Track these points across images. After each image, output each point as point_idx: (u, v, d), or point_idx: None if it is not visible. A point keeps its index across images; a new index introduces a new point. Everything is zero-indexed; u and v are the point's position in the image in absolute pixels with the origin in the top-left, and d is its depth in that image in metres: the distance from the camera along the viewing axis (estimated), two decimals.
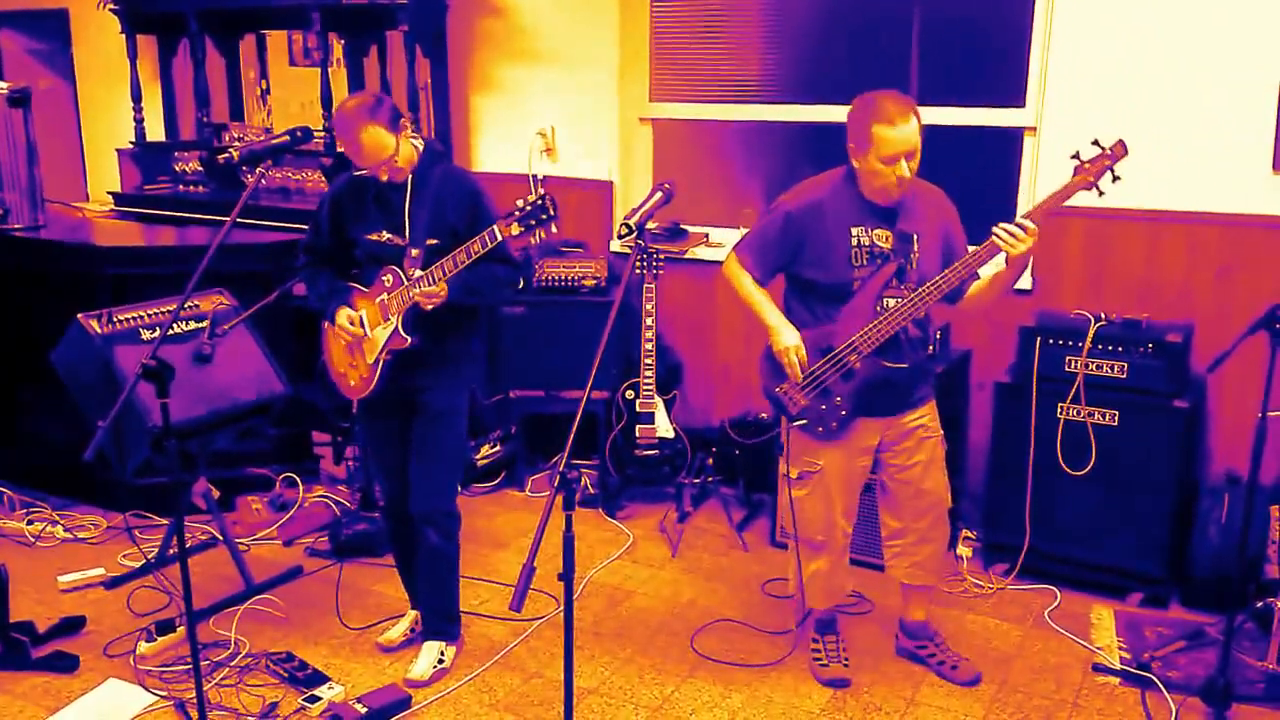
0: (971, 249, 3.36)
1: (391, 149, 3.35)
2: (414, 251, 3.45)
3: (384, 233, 3.49)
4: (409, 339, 3.48)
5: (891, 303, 3.37)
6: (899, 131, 3.20)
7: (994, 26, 4.95)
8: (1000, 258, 3.28)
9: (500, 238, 3.28)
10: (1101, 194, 3.19)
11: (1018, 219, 3.21)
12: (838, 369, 3.42)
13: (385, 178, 3.41)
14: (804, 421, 3.51)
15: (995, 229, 3.22)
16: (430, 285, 3.35)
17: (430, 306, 3.38)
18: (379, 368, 3.54)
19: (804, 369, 3.44)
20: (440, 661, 3.73)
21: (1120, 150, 3.17)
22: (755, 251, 3.53)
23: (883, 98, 3.24)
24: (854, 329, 3.38)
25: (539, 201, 3.25)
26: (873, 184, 3.33)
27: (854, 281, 3.40)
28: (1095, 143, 3.20)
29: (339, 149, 5.68)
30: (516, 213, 3.26)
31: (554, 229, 3.29)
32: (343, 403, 3.78)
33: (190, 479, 4.32)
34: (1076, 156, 3.21)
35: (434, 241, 3.46)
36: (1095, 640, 3.98)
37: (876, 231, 3.39)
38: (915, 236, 3.42)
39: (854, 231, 3.39)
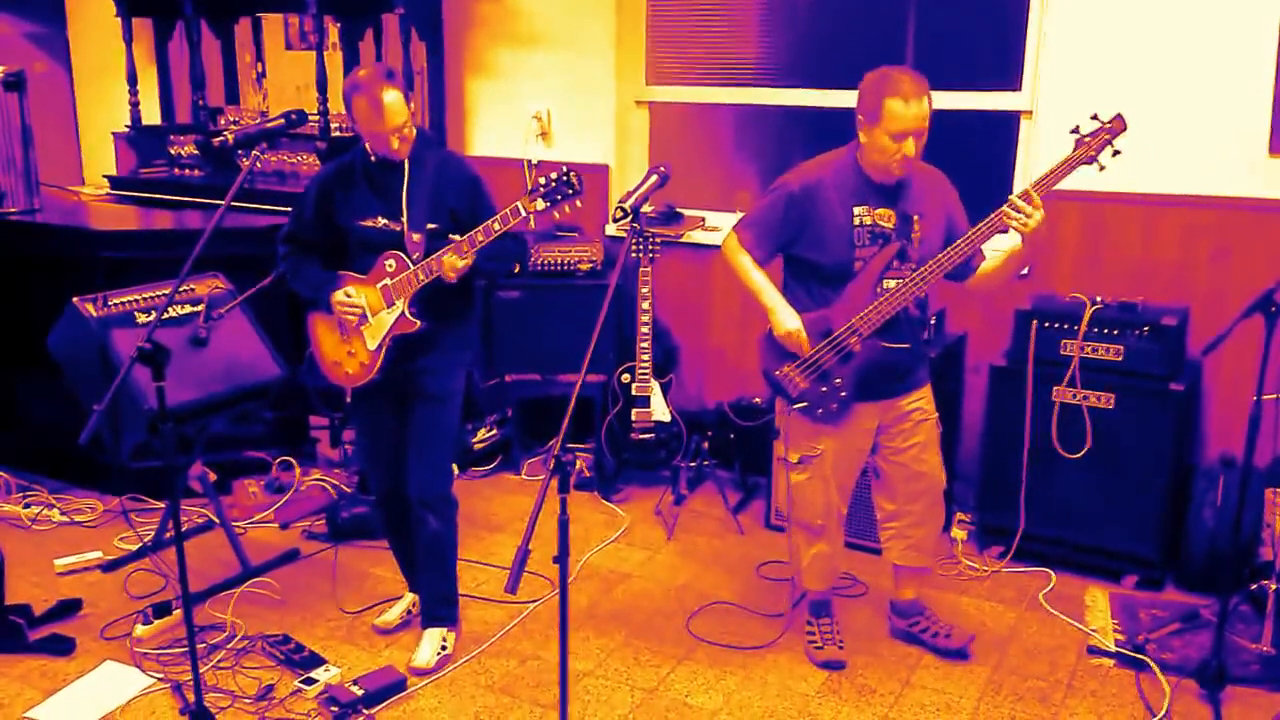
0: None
1: (408, 114, 3.35)
2: (415, 236, 3.42)
3: (380, 218, 3.46)
4: (418, 323, 3.46)
5: (892, 284, 3.37)
6: (910, 108, 3.20)
7: (989, 9, 4.94)
8: (1006, 236, 3.29)
9: (525, 214, 3.25)
10: (1103, 168, 3.19)
11: (1022, 191, 3.21)
12: (837, 351, 3.42)
13: (395, 145, 3.36)
14: (804, 404, 3.51)
15: (1009, 203, 3.22)
16: (461, 258, 3.31)
17: (454, 277, 3.35)
18: (382, 353, 3.52)
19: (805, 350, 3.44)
20: (444, 648, 3.73)
21: (1119, 124, 3.18)
22: (756, 231, 3.51)
23: (899, 73, 3.24)
24: (854, 311, 3.38)
25: (564, 177, 3.24)
26: (876, 160, 3.32)
27: (855, 262, 3.39)
28: (1094, 117, 3.20)
29: (334, 130, 5.70)
30: (540, 189, 3.25)
31: (579, 204, 3.28)
32: (331, 389, 3.75)
33: (186, 462, 4.33)
34: (1076, 131, 3.21)
35: (434, 226, 3.44)
36: (1090, 623, 3.99)
37: (879, 211, 3.39)
38: (917, 217, 3.42)
39: (857, 211, 3.38)
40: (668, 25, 5.56)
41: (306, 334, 3.71)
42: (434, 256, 3.36)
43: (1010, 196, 3.23)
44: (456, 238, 3.35)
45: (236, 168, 5.99)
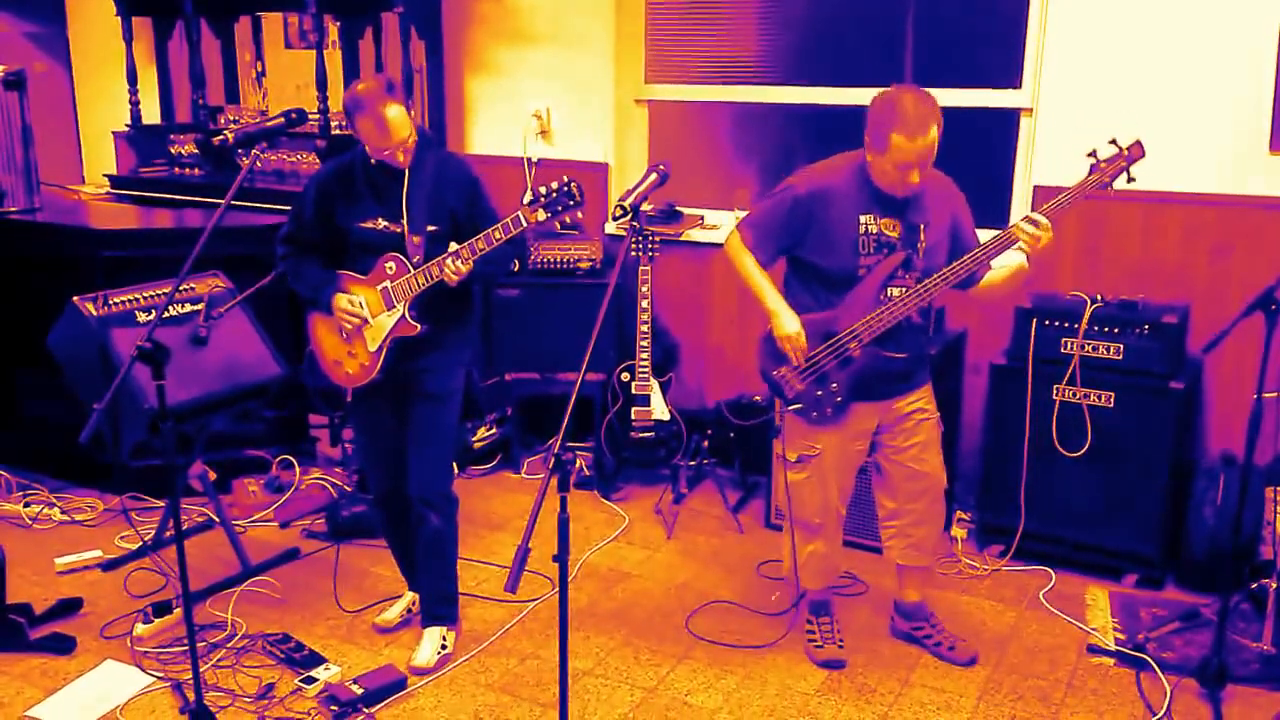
0: (985, 239, 3.36)
1: (411, 127, 3.35)
2: (415, 239, 3.42)
3: (380, 220, 3.46)
4: (419, 326, 3.46)
5: (896, 292, 3.37)
6: (915, 144, 3.17)
7: (990, 6, 4.94)
8: (1013, 251, 3.29)
9: (526, 224, 3.26)
10: (1114, 193, 3.18)
11: (1032, 215, 3.21)
12: (837, 356, 3.41)
13: (400, 158, 3.37)
14: (799, 406, 3.50)
15: (1017, 223, 3.22)
16: (464, 264, 3.32)
17: (456, 281, 3.34)
18: (382, 355, 3.52)
19: (804, 354, 3.43)
20: (444, 647, 3.73)
21: (1138, 151, 3.16)
22: (760, 232, 3.50)
23: (906, 104, 3.17)
24: (856, 317, 3.37)
25: (565, 188, 3.24)
26: (882, 180, 3.33)
27: (859, 269, 3.39)
28: (1113, 142, 3.19)
29: (334, 129, 5.70)
30: (541, 199, 3.25)
31: (579, 215, 3.28)
32: (331, 388, 3.75)
33: (186, 461, 4.33)
34: (1093, 155, 3.19)
35: (434, 228, 3.45)
36: (1090, 621, 3.99)
37: (885, 220, 3.38)
38: (923, 227, 3.40)
39: (863, 219, 3.37)
40: (667, 23, 5.56)
41: (306, 333, 3.71)
42: (434, 261, 3.37)
43: (1018, 222, 3.23)
44: (455, 245, 3.36)
45: (236, 167, 5.99)
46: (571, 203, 3.25)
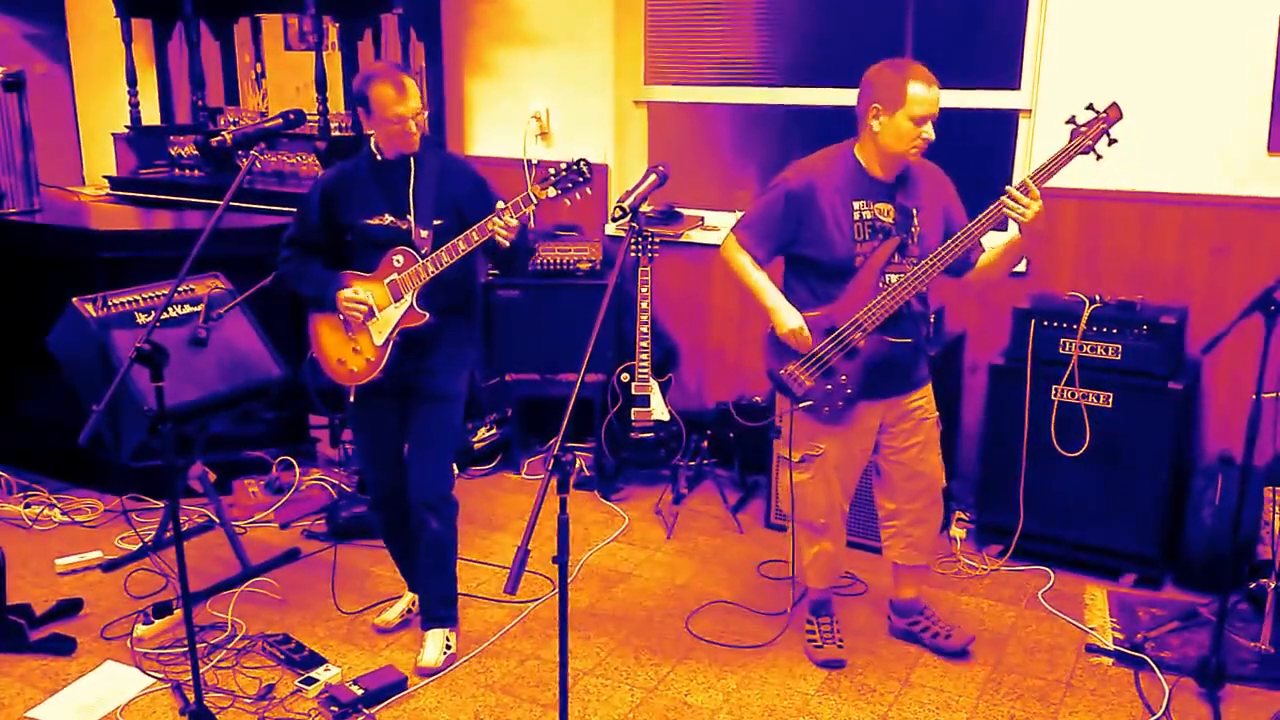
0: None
1: (421, 104, 3.40)
2: (423, 233, 3.44)
3: (386, 215, 3.47)
4: (426, 315, 3.47)
5: (894, 278, 3.37)
6: (931, 92, 3.25)
7: (989, 8, 4.95)
8: (1005, 233, 3.29)
9: (536, 200, 3.28)
10: (1099, 158, 3.19)
11: (1020, 180, 3.22)
12: (842, 348, 3.41)
13: (413, 130, 3.39)
14: (809, 403, 3.50)
15: (1005, 191, 3.22)
16: (513, 218, 3.30)
17: (506, 242, 3.32)
18: (389, 349, 3.52)
19: (810, 347, 3.44)
20: (448, 648, 3.74)
21: (1115, 113, 3.19)
22: (755, 231, 3.50)
23: (913, 62, 3.29)
24: (857, 307, 3.38)
25: (574, 165, 3.27)
26: (892, 147, 3.32)
27: (856, 258, 3.39)
28: (1090, 107, 3.21)
29: (334, 130, 5.70)
30: (551, 177, 3.27)
31: (588, 191, 3.31)
32: (331, 388, 3.75)
33: (186, 462, 4.33)
34: (1072, 121, 3.22)
35: (440, 222, 3.46)
36: (1089, 621, 3.99)
37: (878, 205, 3.39)
38: (915, 211, 3.42)
39: (856, 205, 3.38)
40: (666, 25, 5.57)
41: (307, 335, 3.71)
42: (445, 248, 3.38)
43: (1007, 187, 3.22)
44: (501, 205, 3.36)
45: (236, 168, 5.99)
46: (581, 179, 3.27)
